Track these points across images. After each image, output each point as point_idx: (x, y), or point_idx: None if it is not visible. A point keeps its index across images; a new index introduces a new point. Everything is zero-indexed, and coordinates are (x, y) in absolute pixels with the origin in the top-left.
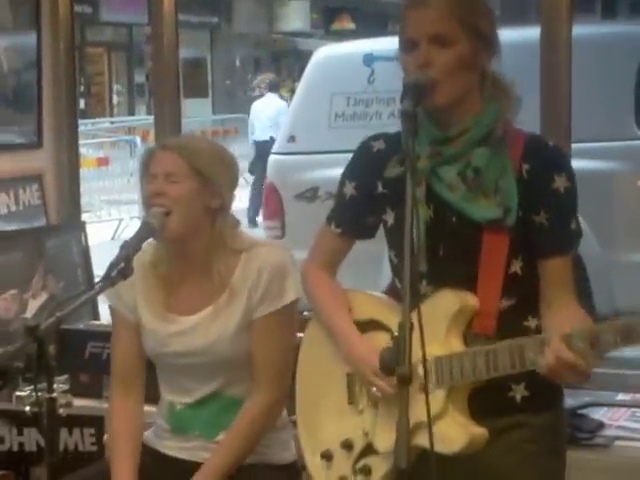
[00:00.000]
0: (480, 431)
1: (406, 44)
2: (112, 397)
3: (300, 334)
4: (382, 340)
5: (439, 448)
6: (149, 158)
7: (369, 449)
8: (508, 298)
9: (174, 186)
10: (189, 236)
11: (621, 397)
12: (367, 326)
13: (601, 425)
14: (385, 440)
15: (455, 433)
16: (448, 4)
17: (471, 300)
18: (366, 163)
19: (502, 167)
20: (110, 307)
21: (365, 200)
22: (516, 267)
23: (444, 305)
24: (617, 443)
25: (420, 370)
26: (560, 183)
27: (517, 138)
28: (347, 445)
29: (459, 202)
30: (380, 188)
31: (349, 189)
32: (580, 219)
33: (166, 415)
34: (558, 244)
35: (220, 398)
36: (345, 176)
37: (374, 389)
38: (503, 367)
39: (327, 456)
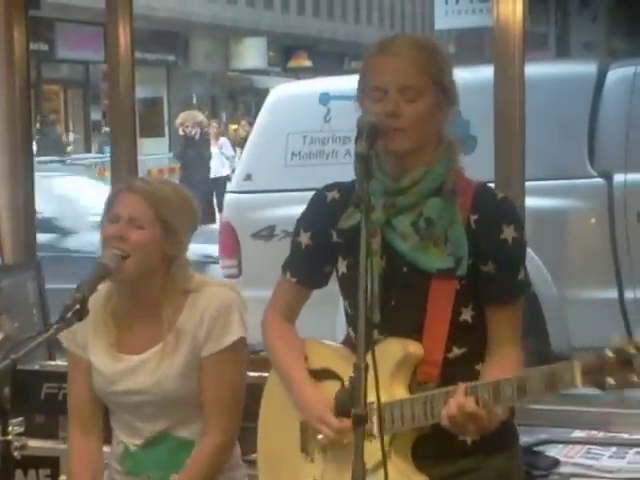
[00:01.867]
0: (421, 479)
1: (373, 92)
2: (71, 438)
3: (252, 373)
4: (333, 389)
5: None
6: (114, 197)
7: None
8: (459, 347)
9: (136, 232)
10: (142, 280)
11: (577, 434)
12: (320, 375)
13: (557, 462)
14: None
15: None
16: (420, 57)
17: (414, 348)
18: (321, 213)
19: (452, 218)
20: (65, 348)
21: (320, 250)
22: (466, 315)
23: (388, 353)
24: None
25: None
26: (508, 234)
27: (467, 189)
28: None
29: (411, 252)
30: (335, 237)
31: (304, 239)
32: (535, 257)
33: (120, 457)
34: (504, 293)
35: (170, 439)
36: (300, 225)
37: (320, 436)
38: (439, 414)
39: None
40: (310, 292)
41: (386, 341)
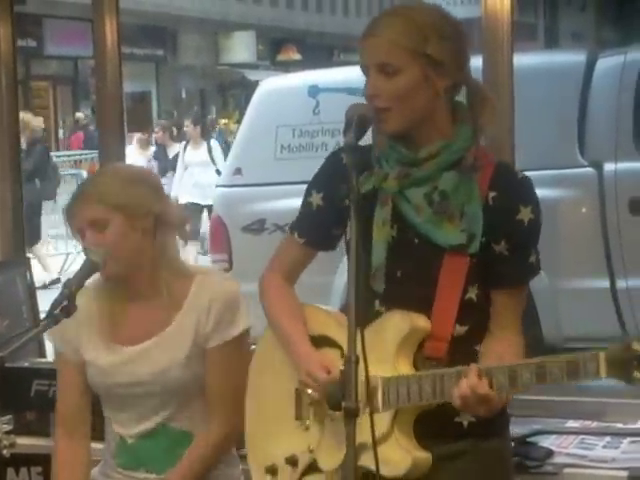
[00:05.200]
0: (424, 456)
1: (362, 73)
2: (57, 439)
3: None
4: (331, 356)
5: (383, 471)
6: (70, 213)
7: (313, 466)
8: (462, 324)
9: (101, 235)
10: (132, 270)
11: (570, 424)
12: (318, 342)
13: (550, 453)
14: (329, 459)
15: (399, 456)
16: (394, 33)
17: (422, 323)
18: (335, 174)
19: (469, 193)
20: (55, 349)
21: (332, 211)
22: (472, 294)
23: (394, 326)
24: (566, 470)
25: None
26: (525, 215)
27: (487, 165)
28: (292, 461)
29: (424, 225)
30: (348, 200)
31: (316, 199)
32: None
33: (115, 451)
34: (514, 276)
35: (168, 431)
36: (312, 186)
37: (309, 390)
38: (449, 393)
39: (272, 471)
40: (314, 255)
41: (391, 313)
